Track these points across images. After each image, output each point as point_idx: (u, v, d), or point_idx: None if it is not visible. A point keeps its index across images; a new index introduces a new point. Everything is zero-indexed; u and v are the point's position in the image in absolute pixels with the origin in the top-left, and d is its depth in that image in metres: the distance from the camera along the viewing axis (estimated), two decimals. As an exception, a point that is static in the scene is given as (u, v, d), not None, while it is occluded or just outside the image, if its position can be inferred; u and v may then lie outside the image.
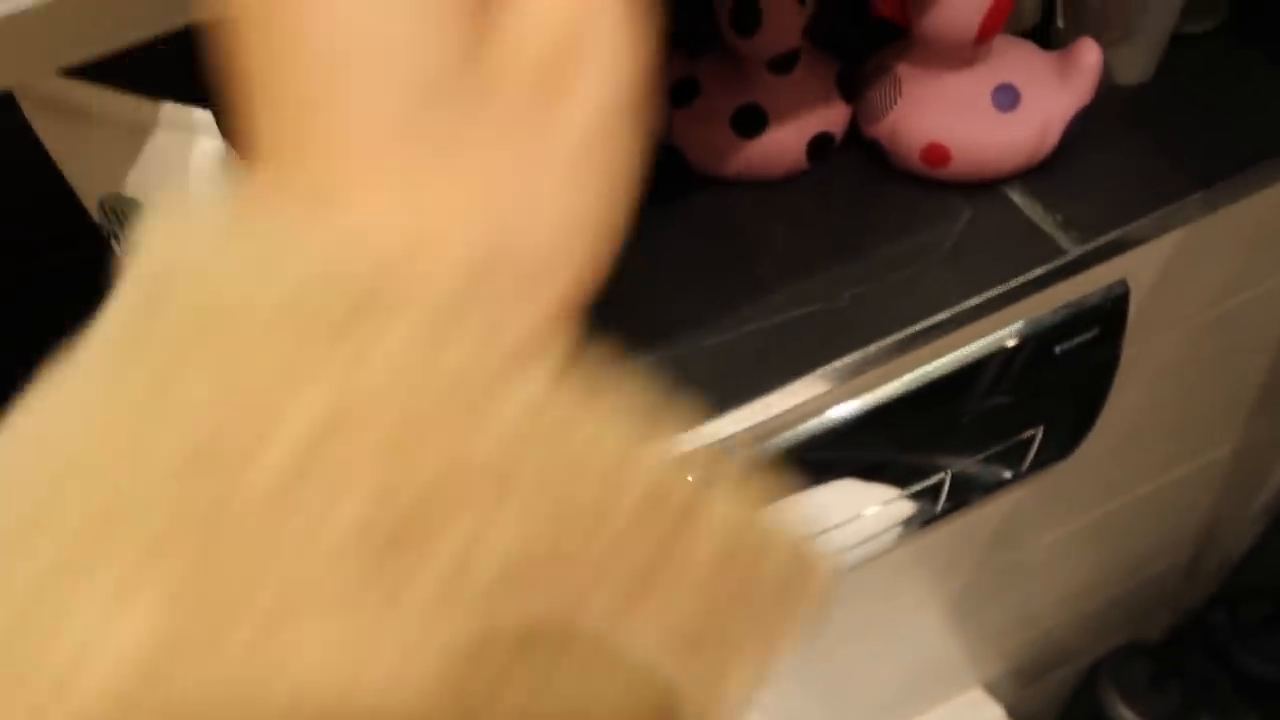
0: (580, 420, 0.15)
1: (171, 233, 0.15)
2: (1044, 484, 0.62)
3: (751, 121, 0.46)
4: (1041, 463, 0.58)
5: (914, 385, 0.47)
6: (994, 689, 0.91)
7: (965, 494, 0.56)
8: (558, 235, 0.16)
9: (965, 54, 0.44)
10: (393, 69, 0.15)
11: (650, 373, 0.16)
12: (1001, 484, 0.57)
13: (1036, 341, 0.48)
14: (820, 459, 0.48)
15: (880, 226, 0.47)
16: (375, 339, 0.14)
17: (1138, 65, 0.50)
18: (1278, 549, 0.95)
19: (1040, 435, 0.55)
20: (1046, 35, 0.51)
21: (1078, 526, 0.72)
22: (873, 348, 0.44)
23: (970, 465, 0.53)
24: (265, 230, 0.15)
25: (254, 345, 0.14)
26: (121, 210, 0.33)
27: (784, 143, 0.46)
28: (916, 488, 0.52)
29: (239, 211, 0.16)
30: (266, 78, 0.16)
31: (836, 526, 0.52)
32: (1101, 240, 0.45)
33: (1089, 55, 0.44)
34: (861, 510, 0.53)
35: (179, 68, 0.29)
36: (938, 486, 0.53)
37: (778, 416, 0.44)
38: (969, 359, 0.48)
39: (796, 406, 0.45)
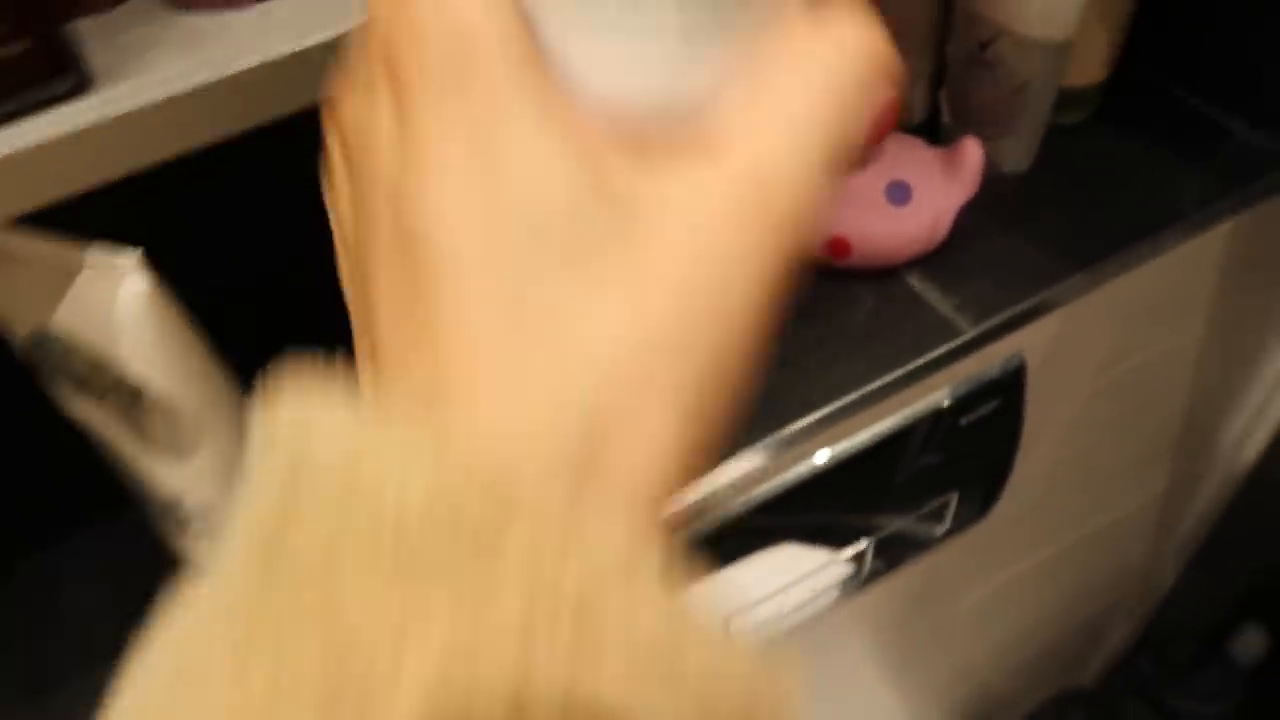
0: (692, 630, 0.15)
1: (297, 425, 0.15)
2: (967, 543, 0.65)
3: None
4: (961, 523, 0.61)
5: (839, 457, 0.50)
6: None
7: (895, 554, 0.59)
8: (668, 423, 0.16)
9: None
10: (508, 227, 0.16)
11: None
12: (927, 543, 0.61)
13: (942, 415, 0.51)
14: (758, 526, 0.51)
15: (795, 313, 0.51)
16: (492, 572, 0.14)
17: (1018, 156, 0.55)
18: (1199, 588, 0.99)
19: (956, 499, 0.59)
20: (934, 129, 0.56)
21: (1004, 580, 0.75)
22: (794, 425, 0.47)
23: (897, 526, 0.56)
24: (381, 440, 0.15)
25: (379, 578, 0.14)
26: (48, 347, 0.35)
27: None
28: (850, 551, 0.55)
29: (356, 408, 0.16)
30: (374, 273, 0.17)
31: (779, 591, 0.55)
32: (995, 320, 0.49)
33: (972, 152, 0.48)
34: (800, 573, 0.55)
35: (108, 212, 0.31)
36: (868, 549, 0.56)
37: (710, 495, 0.47)
38: (884, 434, 0.51)
39: (731, 482, 0.47)
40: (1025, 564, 0.75)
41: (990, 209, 0.52)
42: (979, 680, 0.91)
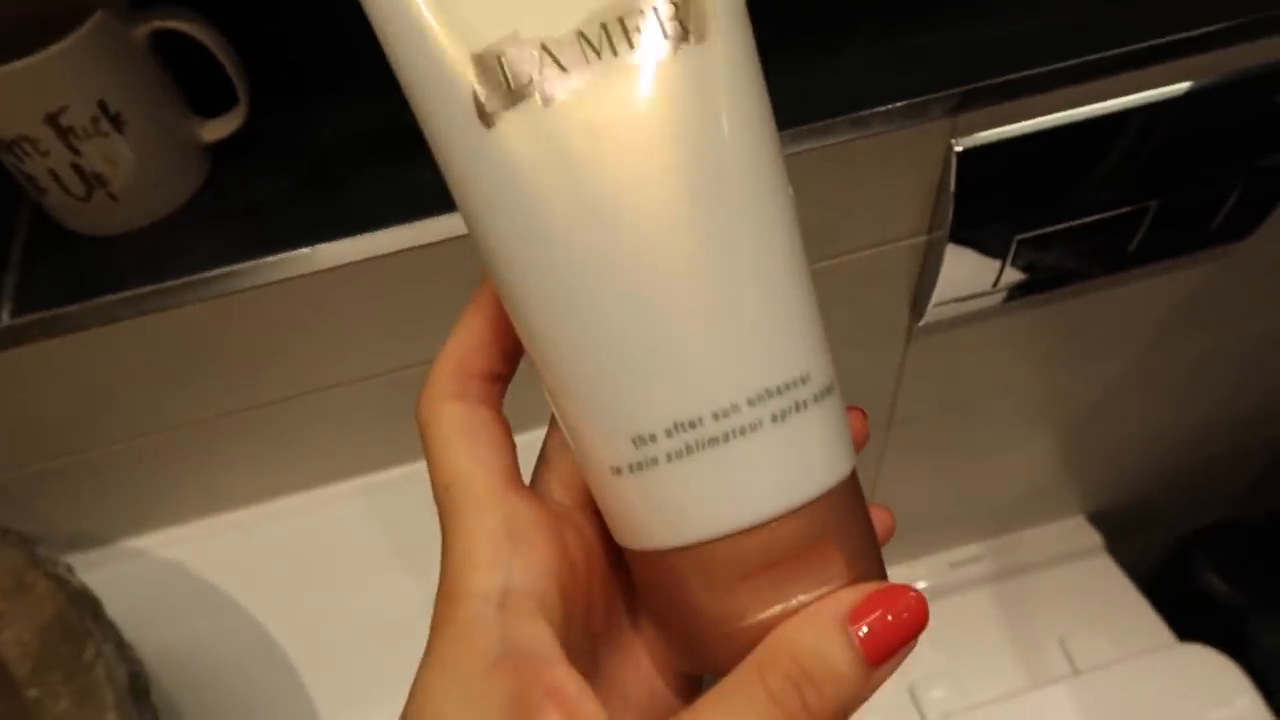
0: None
1: None
2: (1218, 269, 0.63)
3: None
4: (1224, 234, 0.59)
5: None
6: (1096, 521, 0.94)
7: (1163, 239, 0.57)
8: None
9: None
10: None
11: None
12: (1188, 245, 0.58)
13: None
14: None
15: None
16: None
17: None
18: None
19: (1236, 197, 0.56)
20: None
21: (1234, 339, 0.73)
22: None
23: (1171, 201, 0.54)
24: None
25: None
26: None
27: None
28: (1116, 212, 0.54)
29: None
30: None
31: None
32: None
33: None
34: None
35: None
36: (1139, 214, 0.54)
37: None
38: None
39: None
40: (1262, 326, 0.72)
41: None
42: (1155, 467, 0.90)
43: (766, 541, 0.19)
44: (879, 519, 0.22)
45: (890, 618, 0.18)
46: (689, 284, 0.18)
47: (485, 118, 0.18)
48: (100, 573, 0.46)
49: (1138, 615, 0.88)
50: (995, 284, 0.56)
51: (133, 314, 0.42)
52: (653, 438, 0.18)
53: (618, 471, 0.19)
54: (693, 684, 0.22)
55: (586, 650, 0.20)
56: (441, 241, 0.43)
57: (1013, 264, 0.55)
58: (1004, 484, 0.86)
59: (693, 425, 0.18)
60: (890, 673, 0.18)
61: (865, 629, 0.18)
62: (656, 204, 0.18)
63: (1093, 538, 0.93)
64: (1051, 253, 0.56)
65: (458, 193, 0.19)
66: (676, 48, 0.18)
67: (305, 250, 0.42)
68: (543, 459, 0.22)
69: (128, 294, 0.42)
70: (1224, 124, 0.52)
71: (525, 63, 0.17)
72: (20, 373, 0.44)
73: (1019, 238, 0.53)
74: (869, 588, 0.18)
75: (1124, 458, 0.88)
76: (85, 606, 0.39)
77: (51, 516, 0.51)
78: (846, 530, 0.19)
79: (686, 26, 0.18)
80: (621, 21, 0.18)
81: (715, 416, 0.18)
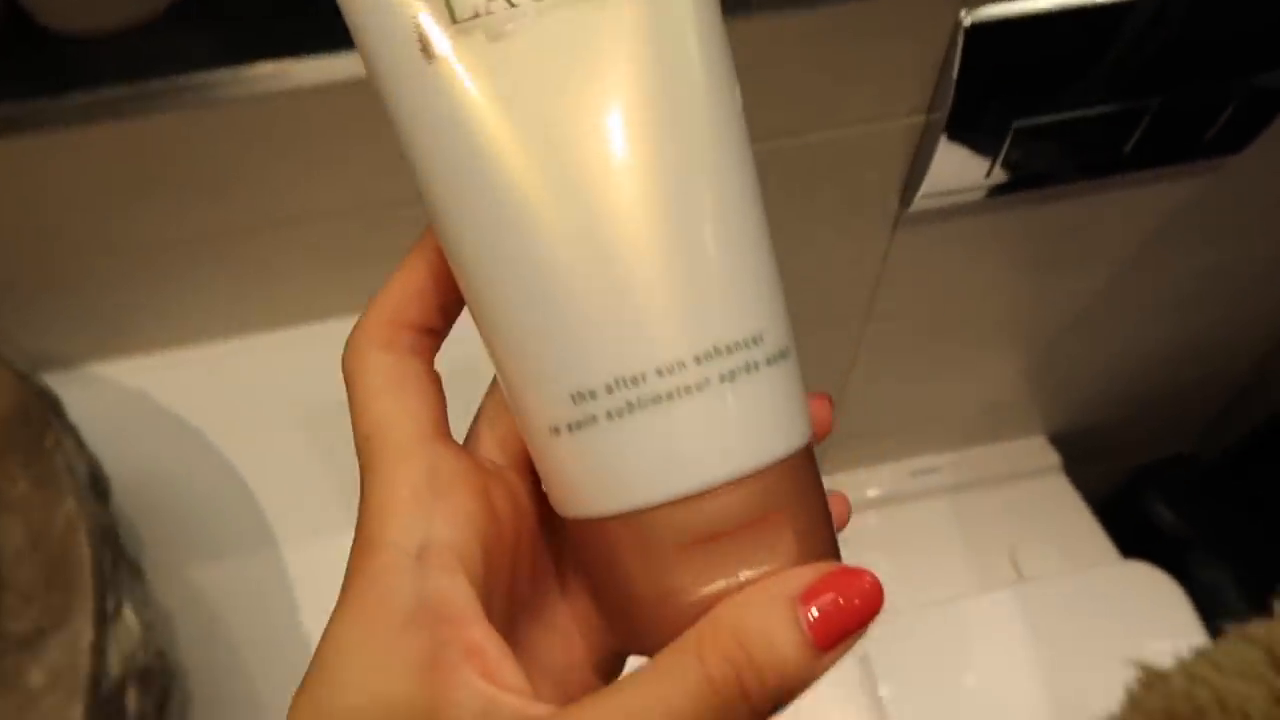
0: None
1: None
2: (1207, 187, 0.63)
3: None
4: (1218, 145, 0.58)
5: None
6: (1057, 443, 0.96)
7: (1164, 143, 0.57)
8: None
9: None
10: None
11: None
12: (1181, 153, 0.58)
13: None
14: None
15: None
16: None
17: None
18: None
19: (1233, 109, 0.56)
20: None
21: (1213, 263, 0.73)
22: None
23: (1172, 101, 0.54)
24: None
25: None
26: None
27: None
28: (1116, 107, 0.53)
29: None
30: None
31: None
32: None
33: None
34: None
35: None
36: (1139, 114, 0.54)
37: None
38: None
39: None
40: (1248, 250, 0.73)
41: None
42: (1117, 393, 0.91)
43: (709, 511, 0.17)
44: (834, 505, 0.20)
45: (842, 601, 0.16)
46: (636, 229, 0.17)
47: (427, 50, 0.17)
48: (61, 395, 0.45)
49: (1087, 533, 0.91)
50: (988, 174, 0.56)
51: (107, 116, 0.41)
52: (592, 394, 0.17)
53: (555, 431, 0.18)
54: (617, 663, 0.21)
55: (506, 614, 0.19)
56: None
57: (1008, 155, 0.55)
58: (972, 396, 0.87)
59: (635, 382, 0.17)
60: (835, 661, 0.16)
61: (815, 612, 0.16)
62: (605, 145, 0.17)
63: (1051, 458, 0.94)
64: (1048, 146, 0.55)
65: (399, 131, 0.18)
66: None
67: (289, 62, 0.41)
68: (481, 416, 0.21)
69: (102, 93, 0.40)
70: (1230, 29, 0.51)
71: None
72: (-14, 167, 0.42)
73: (1017, 124, 0.52)
74: (823, 567, 0.17)
75: (1090, 381, 0.89)
76: (47, 401, 0.38)
77: (13, 333, 0.50)
78: (798, 504, 0.18)
79: None
80: None
81: (659, 373, 0.17)
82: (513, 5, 0.16)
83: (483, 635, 0.17)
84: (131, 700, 0.36)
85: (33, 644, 0.33)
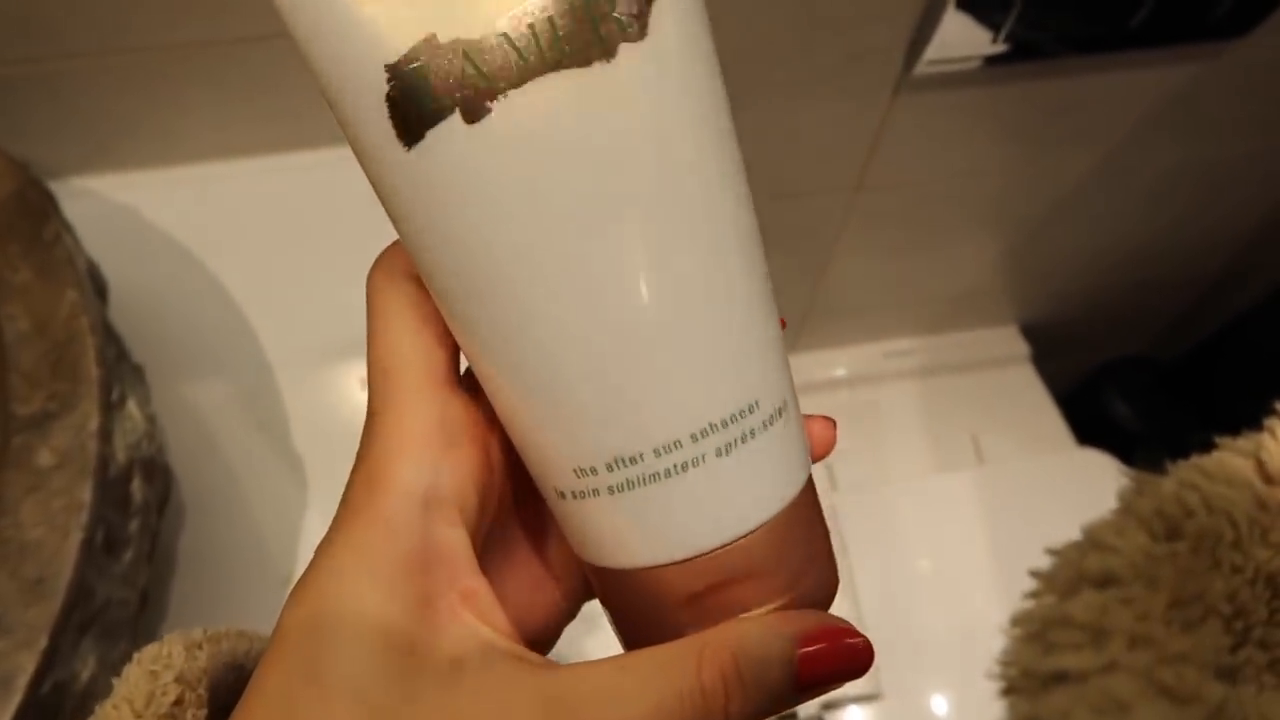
0: None
1: None
2: (1206, 74, 0.64)
3: None
4: (1224, 27, 0.58)
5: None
6: (1028, 333, 0.98)
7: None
8: None
9: None
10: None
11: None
12: (1187, 31, 0.58)
13: None
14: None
15: None
16: None
17: None
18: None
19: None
20: None
21: (1202, 157, 0.74)
22: None
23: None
24: None
25: None
26: None
27: None
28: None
29: None
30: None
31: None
32: None
33: None
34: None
35: None
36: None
37: None
38: None
39: None
40: (1230, 150, 0.74)
41: None
42: (1086, 285, 0.93)
43: (705, 571, 0.18)
44: (821, 430, 0.21)
45: (835, 654, 0.18)
46: (627, 316, 0.16)
47: (403, 136, 0.16)
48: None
49: (1048, 422, 0.94)
50: (994, 41, 0.55)
51: (103, -102, 0.39)
52: (593, 470, 0.17)
53: (561, 495, 0.18)
54: (575, 603, 0.22)
55: (479, 555, 0.20)
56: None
57: (1015, 23, 0.54)
58: (950, 280, 0.88)
59: (633, 461, 0.17)
60: (813, 698, 0.18)
61: (809, 655, 0.18)
62: (590, 232, 0.16)
63: (1021, 347, 0.97)
64: (1054, 17, 0.55)
65: (387, 212, 0.17)
66: (614, 48, 0.15)
67: None
68: None
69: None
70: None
71: (444, 72, 0.15)
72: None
73: (1029, -13, 0.52)
74: (825, 618, 0.18)
75: (1064, 273, 0.90)
76: (44, 193, 0.38)
77: (5, 139, 0.49)
78: (794, 549, 0.19)
79: (624, 22, 0.15)
80: (551, 20, 0.15)
81: (657, 453, 0.17)
82: (487, 79, 0.15)
83: (477, 582, 0.18)
84: (137, 488, 0.37)
85: (41, 425, 0.34)
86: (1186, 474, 0.32)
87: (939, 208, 0.75)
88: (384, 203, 0.17)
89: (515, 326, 0.17)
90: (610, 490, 0.17)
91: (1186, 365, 1.14)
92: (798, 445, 0.19)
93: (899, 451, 0.93)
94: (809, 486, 0.19)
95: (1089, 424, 1.00)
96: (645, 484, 0.17)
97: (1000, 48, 0.56)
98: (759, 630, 0.18)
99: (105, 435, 0.34)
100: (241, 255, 0.52)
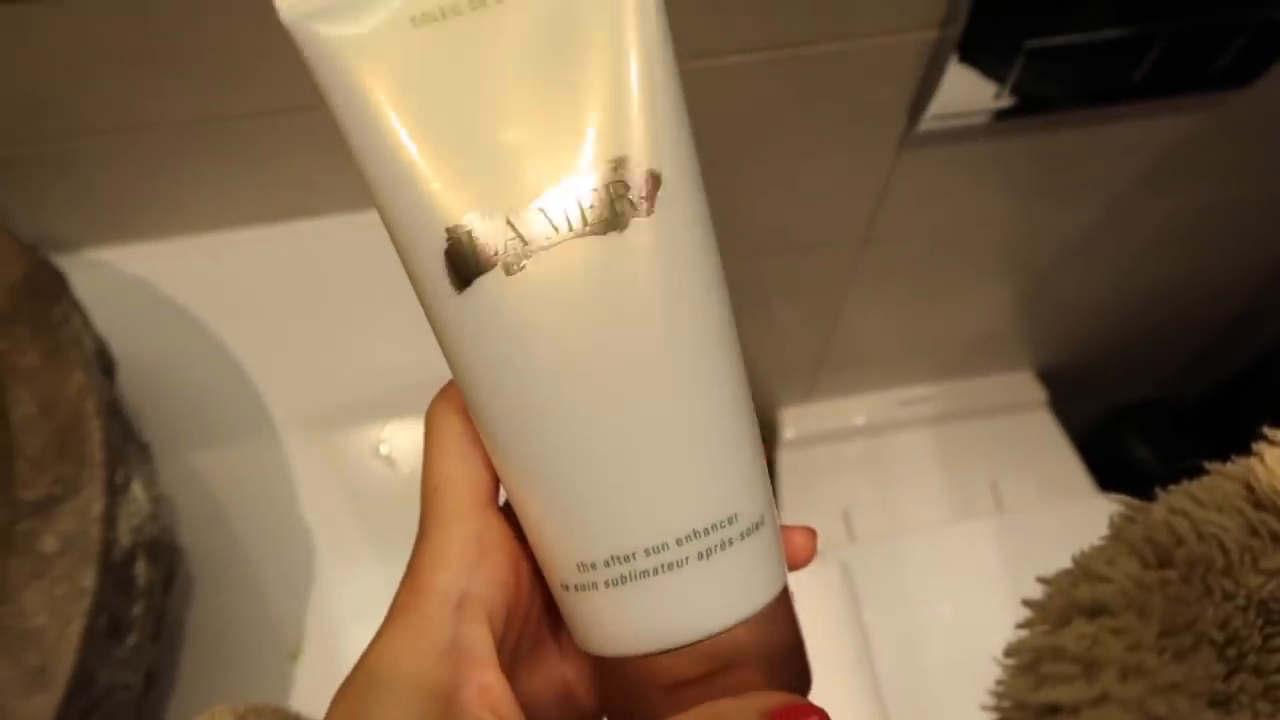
0: None
1: None
2: (1212, 123, 0.63)
3: None
4: (1228, 78, 0.58)
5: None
6: (1044, 378, 0.97)
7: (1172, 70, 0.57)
8: None
9: None
10: None
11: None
12: (1190, 83, 0.58)
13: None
14: None
15: None
16: None
17: None
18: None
19: (1245, 40, 0.56)
20: None
21: (1209, 201, 0.74)
22: None
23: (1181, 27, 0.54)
24: None
25: None
26: None
27: None
28: (1129, 31, 0.53)
29: None
30: None
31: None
32: None
33: None
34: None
35: None
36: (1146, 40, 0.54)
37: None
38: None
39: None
40: (1237, 190, 0.73)
41: None
42: (1103, 330, 0.92)
43: (687, 662, 0.21)
44: (801, 539, 0.24)
45: None
46: (627, 439, 0.20)
47: (455, 283, 0.20)
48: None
49: (1068, 467, 0.92)
50: (997, 96, 0.55)
51: (112, -15, 0.40)
52: (593, 566, 0.21)
53: (565, 588, 0.22)
54: (597, 715, 0.25)
55: (511, 662, 0.23)
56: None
57: (1018, 78, 0.55)
58: (963, 326, 0.88)
59: (627, 559, 0.20)
60: None
61: None
62: (599, 369, 0.20)
63: (1037, 392, 0.96)
64: (1058, 70, 0.55)
65: (440, 344, 0.21)
66: (626, 222, 0.19)
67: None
68: None
69: (108, -39, 0.39)
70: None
71: (491, 235, 0.19)
72: (-11, 37, 0.41)
73: (1029, 45, 0.52)
74: (792, 698, 0.20)
75: (1080, 317, 0.90)
76: (54, 275, 0.38)
77: (18, 213, 0.49)
78: (769, 649, 0.22)
79: (636, 203, 0.19)
80: (579, 200, 0.19)
81: (647, 553, 0.20)
82: (525, 243, 0.19)
83: (494, 677, 0.21)
84: (141, 571, 0.36)
85: (45, 510, 0.34)
86: (1177, 500, 0.31)
87: (948, 257, 0.74)
88: (437, 335, 0.21)
89: (535, 442, 0.20)
90: (607, 584, 0.21)
91: (1209, 406, 1.12)
92: (774, 554, 0.22)
93: (916, 500, 0.92)
94: (784, 593, 0.22)
95: (1110, 468, 0.98)
96: (636, 579, 0.21)
97: (1003, 102, 0.56)
98: (734, 705, 0.20)
99: (109, 519, 0.34)
100: (249, 321, 0.52)
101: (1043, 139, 0.62)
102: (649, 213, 0.20)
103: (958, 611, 0.81)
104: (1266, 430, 0.29)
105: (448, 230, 0.19)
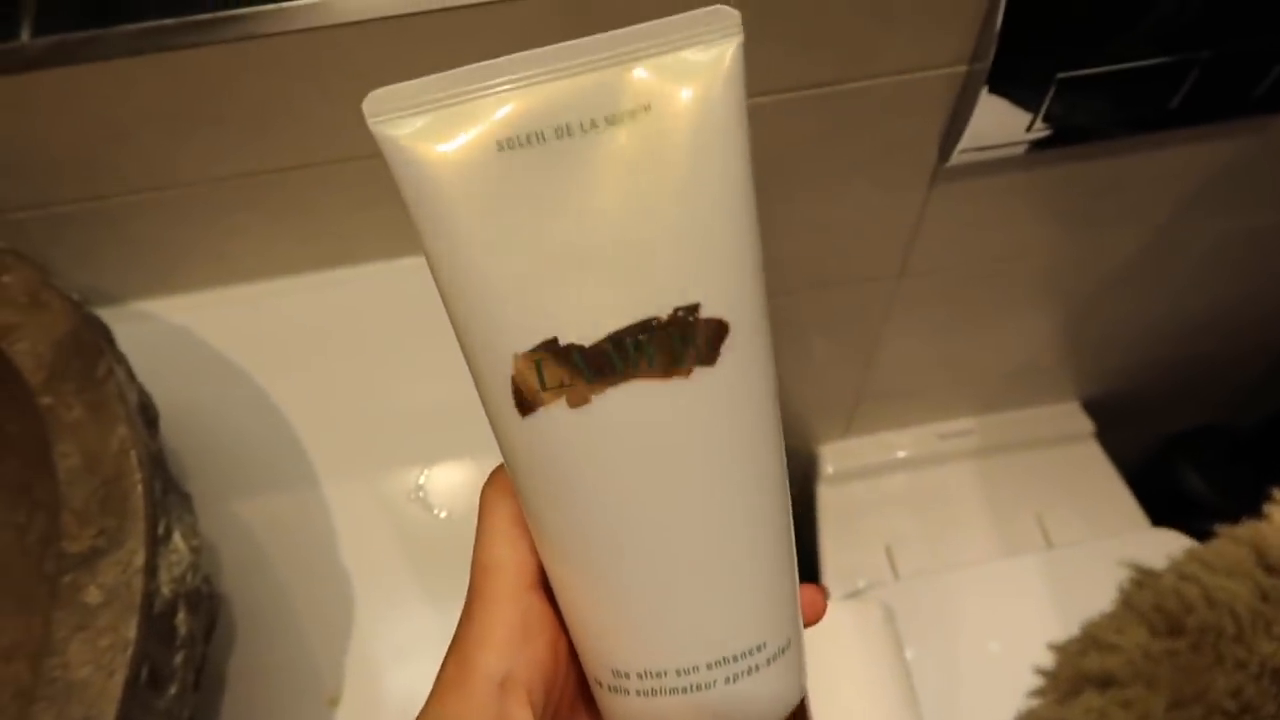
0: None
1: None
2: (1252, 148, 0.62)
3: None
4: (1267, 103, 0.57)
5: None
6: (1090, 409, 0.95)
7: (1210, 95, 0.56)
8: None
9: None
10: None
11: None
12: (1229, 109, 0.57)
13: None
14: None
15: None
16: None
17: None
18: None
19: (1286, 63, 0.54)
20: None
21: (1253, 227, 0.72)
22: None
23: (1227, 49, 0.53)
24: None
25: None
26: None
27: None
28: (1164, 60, 0.52)
29: None
30: None
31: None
32: None
33: None
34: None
35: None
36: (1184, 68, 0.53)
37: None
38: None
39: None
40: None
41: None
42: (1149, 359, 0.90)
43: None
44: (811, 597, 0.25)
45: None
46: (670, 573, 0.21)
47: (521, 407, 0.21)
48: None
49: (1117, 500, 0.90)
50: (1030, 127, 0.55)
51: (155, 48, 0.41)
52: (626, 675, 0.22)
53: (599, 684, 0.23)
54: None
55: None
56: (473, 5, 0.42)
57: (1050, 108, 0.54)
58: (1004, 358, 0.86)
59: (658, 675, 0.22)
60: None
61: None
62: (651, 505, 0.21)
63: (1084, 424, 0.94)
64: (1092, 100, 0.54)
65: (502, 452, 0.22)
66: (691, 369, 0.20)
67: (333, -1, 0.41)
68: None
69: (150, 24, 0.41)
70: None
71: (558, 366, 0.20)
72: (39, 100, 0.43)
73: (1061, 76, 0.52)
74: None
75: (1123, 345, 0.88)
76: (99, 329, 0.39)
77: (65, 267, 0.51)
78: None
79: (702, 352, 0.20)
80: (646, 341, 0.20)
81: (678, 673, 0.22)
82: (589, 383, 0.20)
83: None
84: (182, 621, 0.37)
85: (90, 563, 0.34)
86: (1186, 565, 0.31)
87: (985, 288, 0.74)
88: (499, 445, 0.22)
89: (582, 559, 0.22)
90: (638, 693, 0.22)
91: (1265, 432, 1.09)
92: (795, 674, 0.23)
93: (962, 535, 0.90)
94: (802, 704, 0.24)
95: (1162, 500, 0.95)
96: (666, 695, 0.22)
97: (1036, 134, 0.56)
98: None
99: (151, 571, 0.35)
100: (288, 368, 0.53)
101: (1080, 168, 0.61)
102: (713, 361, 0.20)
103: (1005, 649, 0.79)
104: (1275, 491, 0.29)
105: (515, 357, 0.20)
